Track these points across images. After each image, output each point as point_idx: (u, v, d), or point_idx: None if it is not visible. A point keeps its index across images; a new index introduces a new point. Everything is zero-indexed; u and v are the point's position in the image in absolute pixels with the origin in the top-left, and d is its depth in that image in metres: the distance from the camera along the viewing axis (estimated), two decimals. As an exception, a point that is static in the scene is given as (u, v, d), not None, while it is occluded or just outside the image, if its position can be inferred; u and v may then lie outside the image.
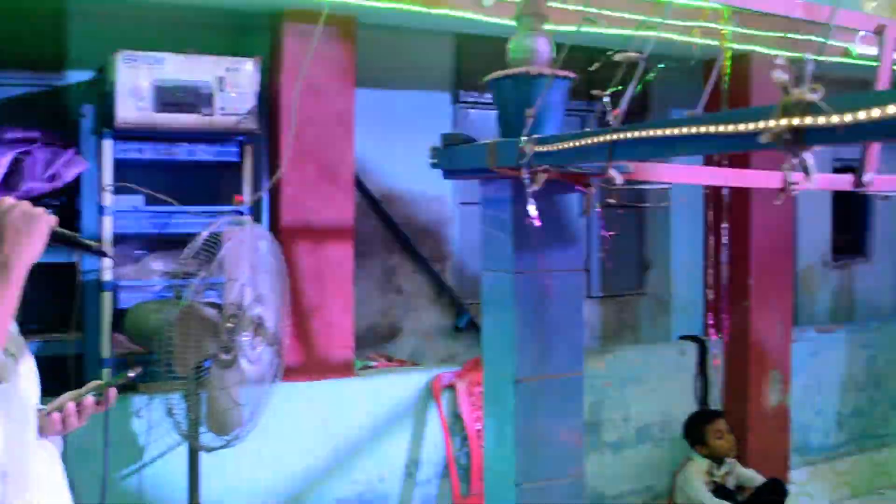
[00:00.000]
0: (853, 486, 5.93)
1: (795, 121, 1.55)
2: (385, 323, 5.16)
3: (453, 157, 2.95)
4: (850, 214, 6.84)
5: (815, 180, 1.68)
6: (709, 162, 4.16)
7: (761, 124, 1.61)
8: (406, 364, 4.89)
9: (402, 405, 4.41)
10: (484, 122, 5.22)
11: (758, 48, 4.74)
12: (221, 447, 3.40)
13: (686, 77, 4.66)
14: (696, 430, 4.84)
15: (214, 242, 3.24)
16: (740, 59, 4.84)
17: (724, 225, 4.70)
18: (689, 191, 5.35)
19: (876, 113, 1.46)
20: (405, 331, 5.22)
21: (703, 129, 1.76)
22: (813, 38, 4.79)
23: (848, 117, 1.48)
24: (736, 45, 4.56)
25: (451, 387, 4.53)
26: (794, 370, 5.51)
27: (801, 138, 1.60)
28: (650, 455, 5.15)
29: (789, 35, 4.50)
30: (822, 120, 1.52)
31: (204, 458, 3.48)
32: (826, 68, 5.37)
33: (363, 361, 4.74)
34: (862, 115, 1.47)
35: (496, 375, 3.02)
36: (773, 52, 4.50)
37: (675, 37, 4.11)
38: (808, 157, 1.63)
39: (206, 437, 3.40)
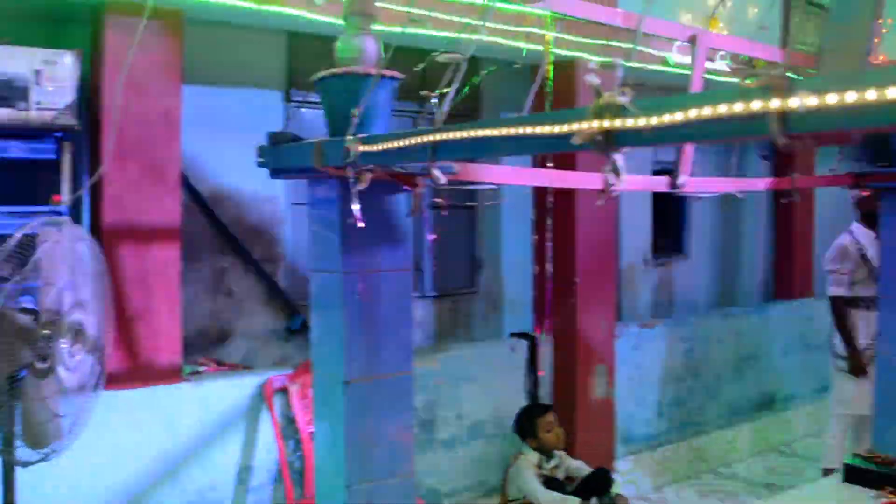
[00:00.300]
0: (674, 472, 6.24)
1: (606, 123, 1.61)
2: (215, 326, 5.04)
3: (280, 156, 2.90)
4: (670, 215, 7.20)
5: (627, 181, 1.75)
6: (538, 163, 4.29)
7: (574, 126, 1.66)
8: (237, 368, 4.79)
9: (233, 410, 4.31)
10: (317, 121, 5.17)
11: (583, 54, 4.91)
12: (39, 461, 3.21)
13: (516, 80, 4.78)
14: (526, 424, 4.96)
15: (29, 245, 3.06)
16: (566, 65, 5.00)
17: (551, 224, 4.84)
18: (518, 191, 5.49)
19: (679, 116, 1.54)
20: (236, 334, 5.11)
21: (519, 131, 1.80)
22: (634, 46, 5.03)
23: (654, 120, 1.55)
24: (561, 51, 4.71)
25: (284, 390, 4.47)
26: (618, 364, 5.75)
27: (611, 140, 1.66)
28: (483, 451, 5.25)
29: (612, 43, 4.69)
30: (630, 122, 1.59)
31: (20, 473, 3.28)
32: (648, 76, 5.65)
33: (192, 367, 4.60)
34: (667, 117, 1.55)
35: (325, 377, 2.99)
36: (597, 59, 4.68)
37: (501, 40, 4.21)
38: (619, 158, 1.70)
39: (22, 452, 3.20)
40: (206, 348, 4.95)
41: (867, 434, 5.13)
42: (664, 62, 5.35)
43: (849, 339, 5.61)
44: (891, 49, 5.66)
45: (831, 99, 1.32)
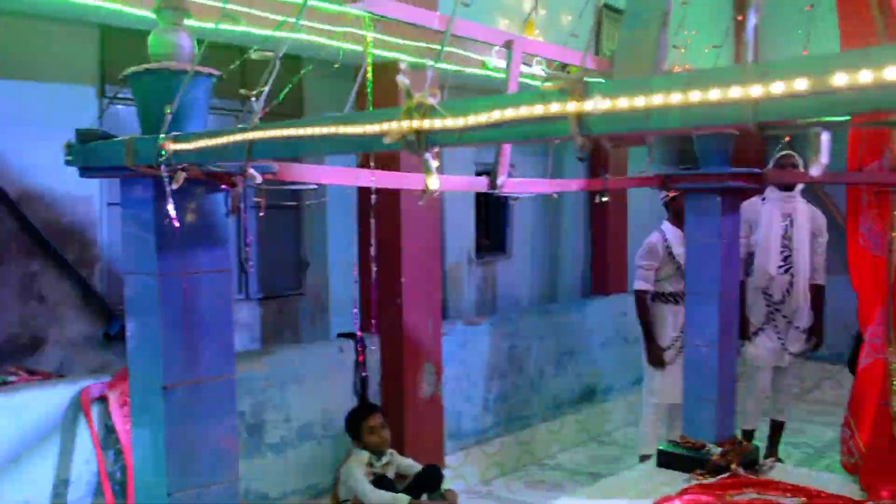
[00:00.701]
0: (502, 465, 6.41)
1: (415, 123, 1.65)
2: (26, 334, 4.78)
3: (89, 154, 2.80)
4: (492, 215, 7.39)
5: (440, 181, 1.79)
6: (362, 163, 4.30)
7: (385, 126, 1.70)
8: (51, 377, 4.55)
9: (47, 422, 4.09)
10: (134, 119, 5.00)
11: (401, 56, 4.96)
12: None
13: (340, 81, 4.78)
14: (354, 425, 4.97)
15: None
16: (387, 66, 5.04)
17: (375, 224, 4.87)
18: (343, 191, 5.49)
19: (484, 117, 1.60)
20: (50, 341, 4.86)
21: (331, 130, 1.81)
22: (454, 49, 5.14)
23: (461, 121, 1.60)
24: (381, 52, 4.75)
25: (103, 398, 4.28)
26: (445, 362, 5.86)
27: (423, 140, 1.70)
28: (314, 453, 5.22)
29: (432, 45, 4.77)
30: (439, 123, 1.64)
31: None
32: (470, 79, 5.75)
33: (1, 377, 4.35)
34: (472, 118, 1.60)
35: (143, 383, 2.91)
36: (410, 60, 4.74)
37: (320, 40, 4.20)
38: (430, 157, 1.74)
39: None
40: (16, 357, 4.68)
41: (678, 421, 5.45)
42: (483, 66, 5.50)
43: (648, 331, 5.95)
44: (694, 59, 6.06)
45: (623, 103, 1.41)
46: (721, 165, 4.95)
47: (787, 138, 5.58)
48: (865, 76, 1.10)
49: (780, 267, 5.96)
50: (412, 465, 5.06)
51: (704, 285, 5.01)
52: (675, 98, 1.33)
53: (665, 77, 1.37)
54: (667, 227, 6.00)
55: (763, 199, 6.09)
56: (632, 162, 7.95)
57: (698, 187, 5.00)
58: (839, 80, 1.12)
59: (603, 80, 1.46)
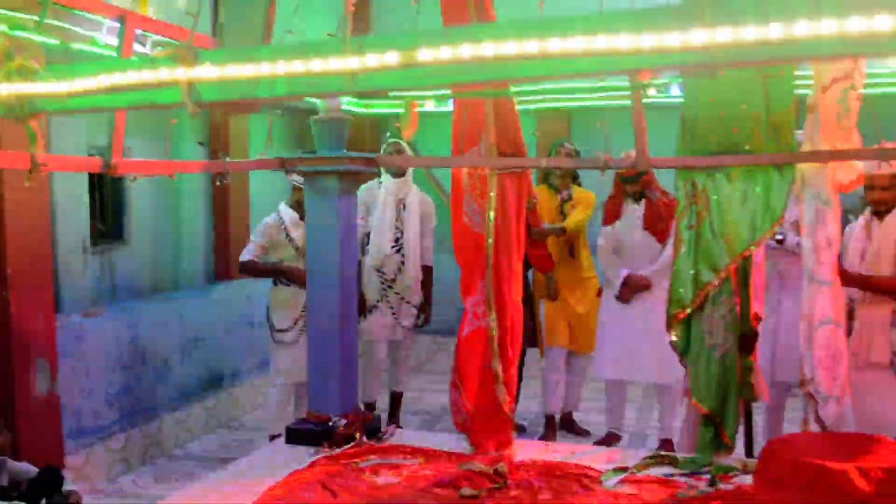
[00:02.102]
0: (128, 461, 6.18)
1: (17, 87, 1.58)
2: None
3: None
4: (109, 199, 7.05)
5: (52, 159, 1.73)
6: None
7: (-19, 89, 1.60)
8: None
9: None
10: None
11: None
12: None
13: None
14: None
15: None
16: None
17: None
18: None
19: (92, 83, 1.57)
20: None
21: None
22: (58, 23, 4.81)
23: (66, 85, 1.57)
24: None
25: None
26: (61, 357, 5.51)
27: (26, 106, 1.63)
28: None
29: (33, 17, 4.44)
30: (43, 87, 1.58)
31: None
32: (77, 58, 5.37)
33: None
34: (80, 83, 1.57)
35: None
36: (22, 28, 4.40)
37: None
38: (36, 126, 1.68)
39: None
40: None
41: (305, 399, 5.63)
42: (92, 42, 5.22)
43: (279, 270, 6.04)
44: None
45: (231, 70, 1.47)
46: (338, 150, 5.17)
47: (396, 124, 5.96)
48: (445, 52, 1.26)
49: (393, 247, 6.38)
50: (28, 470, 4.72)
51: (324, 266, 5.21)
52: (281, 67, 1.42)
53: (270, 47, 1.45)
54: (284, 209, 6.14)
55: (380, 184, 6.46)
56: (253, 146, 7.99)
57: (317, 170, 5.17)
58: (424, 55, 1.27)
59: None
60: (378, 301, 6.48)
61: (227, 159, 4.99)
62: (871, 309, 4.88)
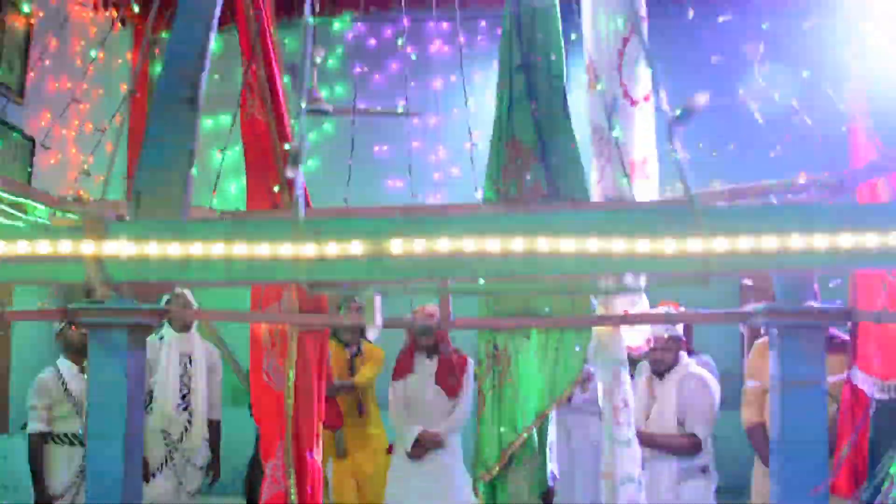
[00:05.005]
0: None
1: None
2: None
3: None
4: None
5: None
6: None
7: None
8: None
9: None
10: None
11: None
12: None
13: None
14: None
15: None
16: None
17: None
18: None
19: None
20: None
21: None
22: None
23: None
24: None
25: None
26: None
27: None
28: None
29: None
30: None
31: None
32: None
33: None
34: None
35: None
36: None
37: None
38: None
39: None
40: None
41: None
42: None
43: (35, 479, 5.48)
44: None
45: (153, 249, 1.32)
46: (128, 301, 4.83)
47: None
48: (419, 245, 1.20)
49: (180, 405, 5.99)
50: None
51: (108, 428, 4.76)
52: (217, 249, 1.30)
53: (204, 223, 1.33)
54: (63, 363, 5.65)
55: (161, 339, 6.10)
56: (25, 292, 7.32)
57: (104, 322, 4.79)
58: (395, 247, 1.20)
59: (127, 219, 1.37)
60: (162, 464, 6.00)
61: (5, 309, 4.53)
62: (658, 465, 5.12)
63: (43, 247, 1.35)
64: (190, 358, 6.08)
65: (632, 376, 4.87)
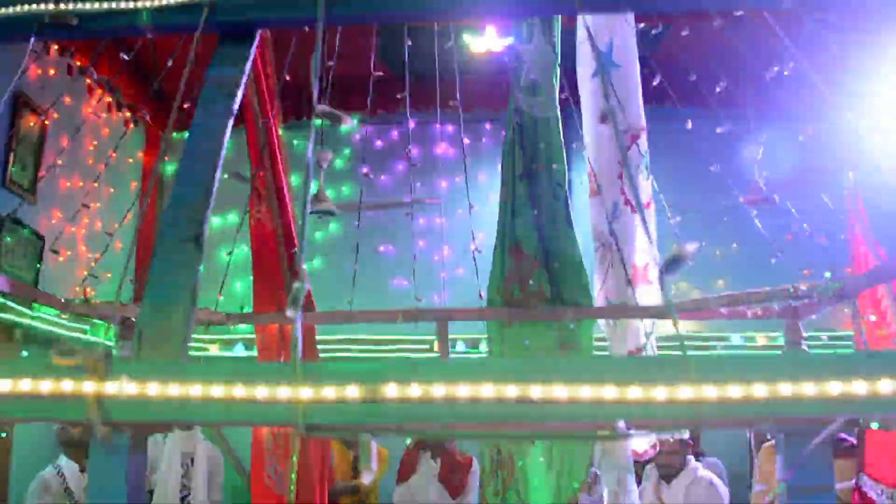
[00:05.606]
0: None
1: None
2: None
3: None
4: None
5: None
6: None
7: None
8: None
9: None
10: None
11: None
12: None
13: None
14: None
15: None
16: None
17: None
18: None
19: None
20: None
21: None
22: None
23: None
24: None
25: None
26: None
27: None
28: None
29: None
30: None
31: None
32: None
33: None
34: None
35: None
36: None
37: None
38: None
39: None
40: None
41: None
42: None
43: None
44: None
45: (153, 390, 1.35)
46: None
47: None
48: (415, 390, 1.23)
49: (179, 507, 5.92)
50: None
51: (108, 531, 4.70)
52: (217, 391, 1.32)
53: (204, 367, 1.36)
54: (64, 462, 5.58)
55: (164, 437, 6.06)
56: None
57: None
58: (391, 392, 1.23)
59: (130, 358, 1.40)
60: (138, 571, 5.87)
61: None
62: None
63: (45, 385, 1.38)
64: (192, 458, 6.03)
65: (638, 482, 4.82)
